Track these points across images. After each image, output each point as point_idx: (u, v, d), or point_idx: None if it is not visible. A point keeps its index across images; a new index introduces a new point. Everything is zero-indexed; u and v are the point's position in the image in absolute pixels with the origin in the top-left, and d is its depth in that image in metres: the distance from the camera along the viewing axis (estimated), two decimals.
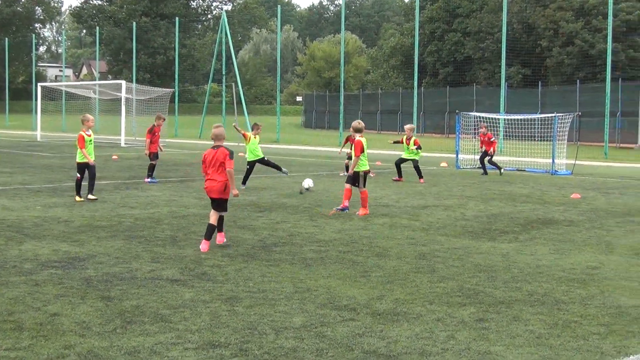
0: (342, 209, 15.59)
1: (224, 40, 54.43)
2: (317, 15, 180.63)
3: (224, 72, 58.04)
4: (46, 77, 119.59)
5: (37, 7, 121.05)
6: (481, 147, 26.64)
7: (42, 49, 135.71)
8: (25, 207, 15.83)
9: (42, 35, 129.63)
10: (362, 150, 15.41)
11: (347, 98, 67.56)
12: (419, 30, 51.01)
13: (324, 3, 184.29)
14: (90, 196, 17.07)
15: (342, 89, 50.49)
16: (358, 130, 15.75)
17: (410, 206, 16.96)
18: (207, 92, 60.87)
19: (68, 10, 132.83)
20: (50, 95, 61.20)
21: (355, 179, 15.57)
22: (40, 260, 10.45)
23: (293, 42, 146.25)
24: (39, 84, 52.84)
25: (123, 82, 45.52)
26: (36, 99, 53.12)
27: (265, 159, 21.10)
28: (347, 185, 15.76)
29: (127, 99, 45.04)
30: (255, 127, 21.47)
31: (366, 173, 15.69)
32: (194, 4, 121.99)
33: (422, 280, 9.52)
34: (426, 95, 66.70)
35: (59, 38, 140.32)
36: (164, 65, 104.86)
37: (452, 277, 9.76)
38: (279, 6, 58.11)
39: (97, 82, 61.28)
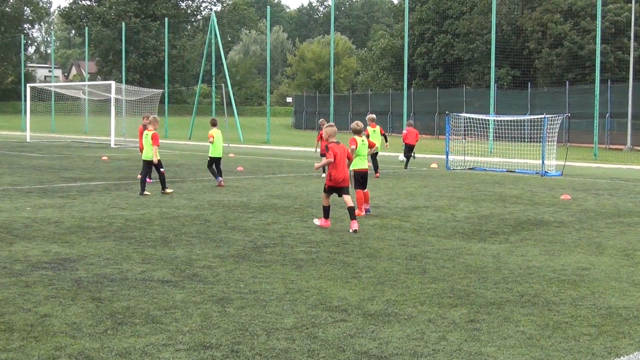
0: (367, 211, 15.57)
1: (213, 41, 54.38)
2: (307, 16, 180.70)
3: (213, 73, 57.93)
4: (35, 77, 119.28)
5: (25, 8, 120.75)
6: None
7: (31, 49, 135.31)
8: (15, 208, 15.78)
9: (31, 36, 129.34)
10: (350, 156, 14.93)
11: (337, 99, 67.64)
12: (409, 31, 51.08)
13: (314, 4, 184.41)
14: (167, 190, 18.96)
15: (332, 90, 50.53)
16: (357, 132, 15.48)
17: (401, 207, 16.97)
18: (197, 93, 60.86)
19: (57, 11, 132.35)
20: (40, 96, 61.05)
21: (355, 180, 15.43)
22: (30, 262, 10.41)
23: (283, 43, 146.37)
24: (28, 84, 52.66)
25: (113, 83, 45.47)
26: (25, 100, 52.95)
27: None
28: (356, 191, 15.51)
29: (116, 100, 44.98)
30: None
31: (356, 172, 15.47)
32: (184, 4, 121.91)
33: (413, 281, 9.53)
34: (416, 97, 66.83)
35: (48, 38, 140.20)
36: (154, 66, 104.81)
37: (443, 278, 9.77)
38: (268, 7, 58.05)
39: (87, 82, 61.12)
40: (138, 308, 8.09)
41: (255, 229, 13.54)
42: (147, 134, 19.50)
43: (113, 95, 44.02)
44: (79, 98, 59.45)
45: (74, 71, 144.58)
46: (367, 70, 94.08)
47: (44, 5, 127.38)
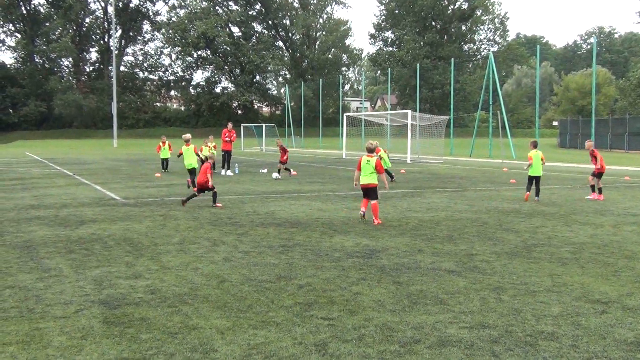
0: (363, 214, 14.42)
1: (490, 76, 53.46)
2: (571, 52, 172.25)
3: (490, 102, 56.93)
4: (350, 108, 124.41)
5: (343, 55, 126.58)
6: None
7: (347, 87, 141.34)
8: (334, 209, 16.52)
9: (347, 76, 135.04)
10: (358, 169, 14.37)
11: (598, 122, 63.65)
12: None
13: (578, 42, 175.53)
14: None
15: (593, 114, 47.68)
16: (370, 150, 14.45)
17: None
18: (477, 119, 60.10)
19: (367, 56, 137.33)
20: (353, 122, 63.68)
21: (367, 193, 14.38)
22: (346, 251, 10.85)
23: (550, 75, 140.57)
24: (344, 114, 55.07)
25: (409, 112, 46.17)
26: (342, 126, 55.36)
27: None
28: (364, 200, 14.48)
29: (412, 125, 45.62)
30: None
31: (366, 187, 14.29)
32: (466, 47, 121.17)
33: None
34: None
35: (360, 78, 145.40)
36: (441, 98, 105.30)
37: None
38: (537, 46, 56.19)
39: (389, 112, 62.56)
40: (429, 291, 8.14)
41: (525, 230, 13.12)
42: (187, 149, 21.90)
43: (410, 121, 44.72)
44: (383, 124, 61.06)
45: (379, 103, 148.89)
46: (625, 97, 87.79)
47: (357, 52, 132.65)
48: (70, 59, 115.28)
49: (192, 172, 21.73)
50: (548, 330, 6.60)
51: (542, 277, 8.96)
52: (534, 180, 18.84)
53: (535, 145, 19.43)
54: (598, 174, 19.30)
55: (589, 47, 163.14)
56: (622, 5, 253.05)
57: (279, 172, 27.64)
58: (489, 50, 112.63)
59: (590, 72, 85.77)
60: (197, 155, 22.94)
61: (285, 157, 28.38)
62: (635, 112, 76.76)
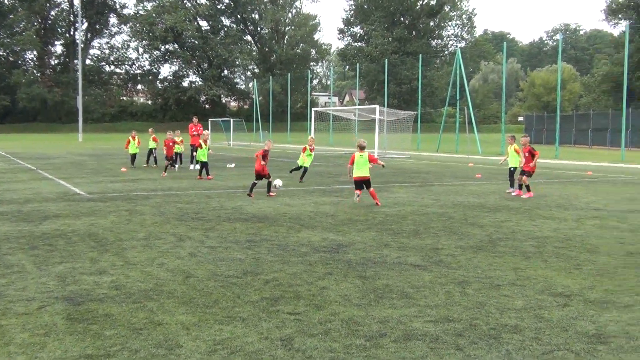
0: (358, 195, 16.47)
1: (458, 71, 53.85)
2: (537, 49, 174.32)
3: (457, 97, 57.38)
4: (318, 103, 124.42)
5: (311, 50, 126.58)
6: None
7: (315, 82, 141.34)
8: (302, 204, 16.52)
9: (315, 71, 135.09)
10: (351, 163, 16.30)
11: (563, 118, 64.47)
12: (628, 59, 47.62)
13: (544, 39, 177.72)
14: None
15: (558, 110, 48.26)
16: (361, 148, 16.39)
17: (619, 210, 15.86)
18: (444, 114, 60.57)
19: (335, 51, 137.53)
20: (321, 117, 63.68)
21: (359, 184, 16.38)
22: (312, 246, 10.86)
23: (516, 72, 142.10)
24: (312, 109, 55.04)
25: (377, 107, 46.29)
26: (310, 121, 55.36)
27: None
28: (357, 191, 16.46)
29: (379, 120, 45.76)
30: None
31: (362, 179, 16.30)
32: (434, 43, 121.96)
33: (630, 275, 8.88)
34: (634, 116, 62.03)
35: (328, 73, 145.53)
36: (408, 93, 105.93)
37: None
38: (504, 43, 56.71)
39: (357, 107, 62.70)
40: (395, 285, 8.19)
41: (490, 225, 13.25)
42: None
43: (377, 116, 44.85)
44: (351, 119, 61.18)
45: (347, 98, 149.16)
46: (589, 94, 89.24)
47: (326, 47, 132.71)
48: (35, 52, 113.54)
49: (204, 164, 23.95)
50: (511, 323, 6.67)
51: (506, 270, 9.06)
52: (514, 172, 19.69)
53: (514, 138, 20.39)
54: (528, 173, 18.67)
55: (554, 43, 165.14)
56: (587, 3, 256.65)
57: (166, 168, 26.38)
58: (457, 46, 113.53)
59: (556, 69, 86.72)
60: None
61: (172, 152, 27.60)
62: (599, 108, 78.02)
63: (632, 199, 18.56)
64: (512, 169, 19.95)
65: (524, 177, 18.64)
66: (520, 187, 18.93)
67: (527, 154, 19.06)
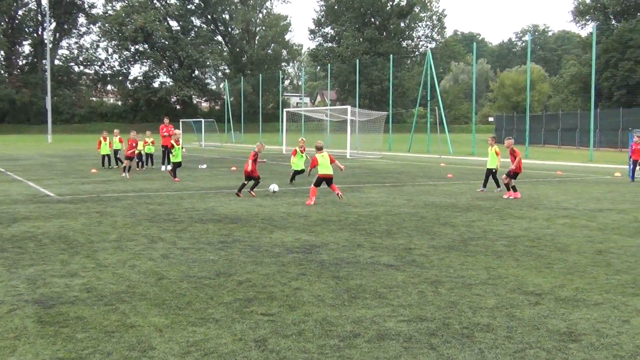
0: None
1: (428, 72, 54.17)
2: (507, 50, 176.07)
3: (428, 98, 57.71)
4: (289, 104, 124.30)
5: (283, 50, 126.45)
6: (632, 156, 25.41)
7: (286, 82, 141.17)
8: (274, 205, 16.50)
9: (286, 72, 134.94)
10: (316, 164, 17.09)
11: (532, 118, 65.17)
12: (596, 60, 48.29)
13: (513, 40, 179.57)
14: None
15: (527, 111, 48.78)
16: (319, 149, 17.31)
17: (588, 209, 16.08)
18: (415, 115, 60.90)
19: (306, 52, 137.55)
20: (293, 118, 63.68)
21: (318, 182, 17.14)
22: (285, 246, 10.85)
23: (486, 72, 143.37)
24: (284, 109, 55.00)
25: (348, 107, 46.42)
26: (282, 121, 55.31)
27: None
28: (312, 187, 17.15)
29: (351, 120, 45.87)
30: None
31: (326, 176, 17.10)
32: (405, 43, 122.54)
33: (599, 273, 9.01)
34: (602, 116, 62.97)
35: (299, 73, 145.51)
36: (380, 93, 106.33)
37: (626, 270, 9.16)
38: (474, 43, 57.17)
39: (329, 107, 62.79)
40: (368, 286, 8.21)
41: (462, 224, 13.35)
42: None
43: (349, 117, 44.96)
44: (323, 119, 61.23)
45: (318, 98, 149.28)
46: (558, 94, 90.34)
47: (297, 48, 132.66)
48: (2, 52, 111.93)
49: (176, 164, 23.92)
50: (484, 322, 6.73)
51: (478, 270, 9.14)
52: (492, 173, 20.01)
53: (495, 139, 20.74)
54: (514, 174, 18.70)
55: (523, 44, 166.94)
56: (555, 5, 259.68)
57: (128, 169, 25.87)
58: (427, 46, 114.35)
59: (525, 69, 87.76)
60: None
61: (133, 151, 27.31)
62: (568, 109, 78.98)
63: (601, 198, 18.82)
64: (492, 169, 20.03)
65: (509, 177, 18.62)
66: (508, 188, 18.76)
67: (511, 156, 19.14)
